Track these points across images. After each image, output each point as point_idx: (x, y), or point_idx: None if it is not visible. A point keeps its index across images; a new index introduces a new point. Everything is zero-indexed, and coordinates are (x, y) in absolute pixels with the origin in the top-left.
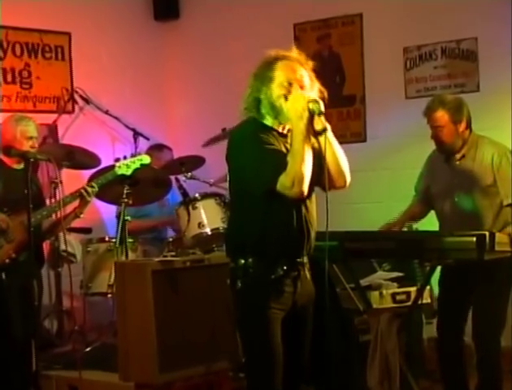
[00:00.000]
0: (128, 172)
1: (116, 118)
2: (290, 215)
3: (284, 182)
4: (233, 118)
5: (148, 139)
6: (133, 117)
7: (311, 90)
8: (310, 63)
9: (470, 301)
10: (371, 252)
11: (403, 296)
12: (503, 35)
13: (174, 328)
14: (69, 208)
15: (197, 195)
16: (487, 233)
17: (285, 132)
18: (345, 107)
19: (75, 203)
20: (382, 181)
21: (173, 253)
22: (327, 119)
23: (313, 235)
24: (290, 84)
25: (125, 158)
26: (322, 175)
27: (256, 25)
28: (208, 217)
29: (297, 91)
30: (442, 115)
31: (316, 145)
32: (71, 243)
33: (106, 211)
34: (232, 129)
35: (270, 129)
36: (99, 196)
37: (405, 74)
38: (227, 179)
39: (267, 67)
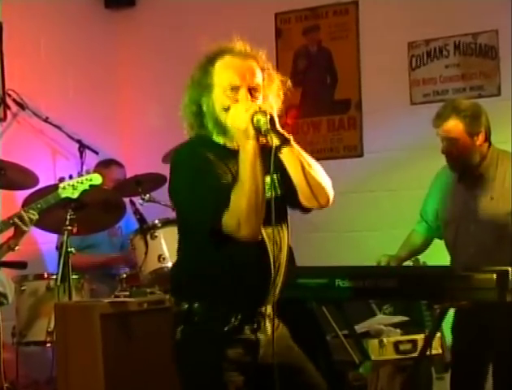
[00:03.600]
0: (75, 195)
1: (58, 127)
2: (246, 253)
3: (228, 223)
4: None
5: (97, 153)
6: (79, 126)
7: (269, 93)
8: (263, 57)
9: (490, 352)
10: (369, 291)
11: (408, 346)
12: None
13: (127, 384)
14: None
15: (156, 221)
16: (510, 269)
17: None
18: (337, 114)
19: (8, 233)
20: (381, 205)
21: (127, 293)
22: (295, 129)
23: (280, 278)
24: (236, 90)
25: (71, 177)
26: (292, 194)
27: (228, 15)
28: (170, 248)
29: (244, 99)
30: (456, 125)
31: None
32: (2, 281)
33: (45, 241)
34: (178, 147)
35: (220, 148)
36: (36, 222)
37: (411, 74)
38: (175, 209)
39: (204, 70)
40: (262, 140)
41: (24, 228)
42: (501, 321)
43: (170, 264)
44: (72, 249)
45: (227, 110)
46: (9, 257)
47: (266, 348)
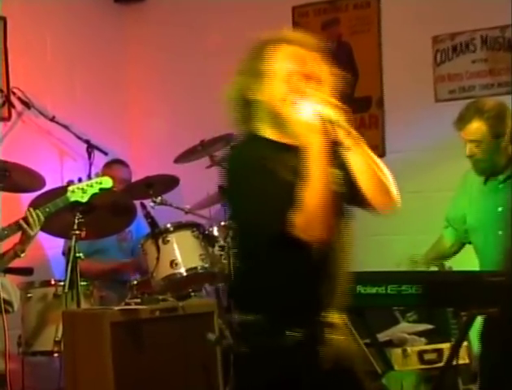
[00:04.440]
0: (84, 199)
1: (65, 126)
2: (311, 259)
3: (297, 222)
4: (214, 126)
5: (106, 153)
6: (87, 125)
7: (324, 87)
8: (321, 47)
9: None
10: (392, 298)
11: (433, 355)
12: None
13: None
14: (6, 245)
15: (168, 225)
16: None
17: (297, 143)
18: (358, 113)
19: (15, 238)
20: (406, 207)
21: (138, 300)
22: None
23: (346, 284)
24: (295, 80)
25: (80, 180)
26: (356, 194)
27: (242, 9)
28: (183, 254)
29: (305, 91)
30: (479, 127)
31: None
32: (7, 287)
33: (51, 246)
34: (229, 149)
35: (273, 144)
36: (42, 226)
37: (435, 70)
38: (228, 215)
39: (259, 57)
40: (330, 133)
41: (30, 232)
42: None
43: (183, 270)
44: (81, 255)
45: (285, 100)
46: (14, 263)
47: (332, 358)
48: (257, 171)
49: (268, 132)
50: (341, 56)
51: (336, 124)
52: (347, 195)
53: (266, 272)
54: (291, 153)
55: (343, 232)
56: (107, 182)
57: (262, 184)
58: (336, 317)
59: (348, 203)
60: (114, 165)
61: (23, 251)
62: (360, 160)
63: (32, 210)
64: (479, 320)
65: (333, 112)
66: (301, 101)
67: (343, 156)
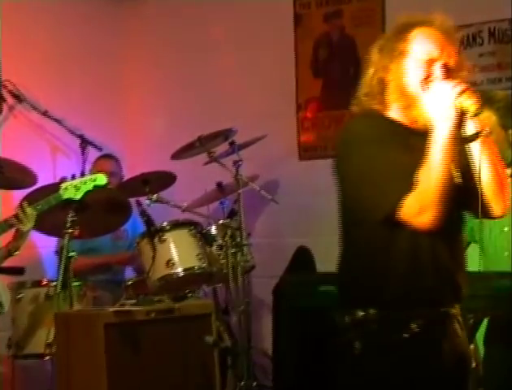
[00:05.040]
0: (77, 196)
1: (58, 121)
2: (423, 246)
3: (409, 206)
4: (212, 121)
5: (100, 149)
6: (81, 120)
7: (459, 75)
8: (459, 36)
9: None
10: None
11: None
12: None
13: None
14: None
15: (165, 224)
16: None
17: (420, 127)
18: None
19: (7, 236)
20: None
21: (133, 301)
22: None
23: (463, 274)
24: (432, 64)
25: (73, 177)
26: (470, 197)
27: (243, 2)
28: (180, 253)
29: (442, 76)
30: (488, 117)
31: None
32: None
33: (44, 245)
34: (345, 125)
35: (397, 126)
36: (34, 224)
37: None
38: (337, 199)
39: (399, 37)
40: (461, 124)
41: (22, 227)
42: None
43: (179, 270)
44: (74, 254)
45: (422, 83)
46: (6, 262)
47: (449, 352)
48: (375, 148)
49: (394, 113)
50: (344, 50)
51: (470, 117)
52: (463, 193)
53: (376, 260)
54: (413, 136)
55: (456, 226)
56: (101, 179)
57: (381, 161)
58: (454, 309)
59: (461, 204)
60: (101, 159)
61: (17, 249)
62: (486, 157)
63: (23, 204)
64: (484, 323)
65: (471, 104)
66: (439, 87)
67: (468, 150)
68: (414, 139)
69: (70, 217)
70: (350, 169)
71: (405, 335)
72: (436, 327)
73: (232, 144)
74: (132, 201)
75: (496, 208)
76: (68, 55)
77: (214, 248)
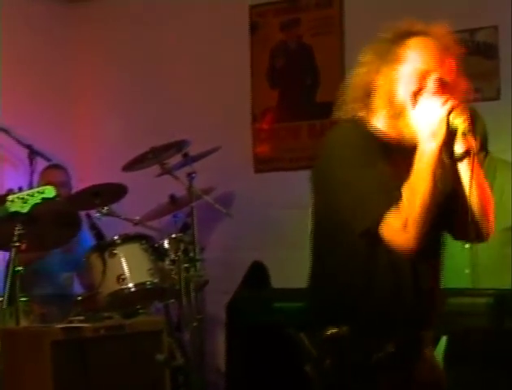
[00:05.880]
0: (25, 209)
1: (5, 130)
2: (402, 266)
3: (391, 223)
4: (166, 132)
5: (49, 160)
6: (29, 130)
7: (454, 91)
8: (458, 49)
9: (488, 383)
10: None
11: None
12: None
13: None
14: None
15: (116, 238)
16: (508, 293)
17: (406, 140)
18: (319, 119)
19: None
20: None
21: (82, 318)
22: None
23: (440, 298)
24: (426, 76)
25: (20, 189)
26: (452, 218)
27: (198, 9)
28: (131, 268)
29: (435, 90)
30: None
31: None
32: None
33: None
34: (326, 136)
35: (381, 137)
36: None
37: None
38: (311, 210)
39: (397, 41)
40: (450, 142)
41: None
42: (498, 349)
43: (131, 285)
44: (20, 268)
45: (413, 95)
46: None
47: (422, 376)
48: (357, 158)
49: (380, 122)
50: (301, 59)
51: (459, 136)
52: (445, 213)
53: (353, 274)
54: (398, 149)
55: (436, 246)
56: (50, 191)
57: (364, 174)
58: (428, 333)
59: (441, 224)
60: (49, 169)
61: None
62: (472, 179)
63: None
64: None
65: (461, 122)
66: (429, 101)
67: (455, 169)
68: (399, 152)
69: (17, 230)
70: (332, 179)
71: (380, 355)
72: (412, 349)
73: (185, 155)
74: (82, 213)
75: (480, 232)
76: (16, 63)
77: (167, 262)
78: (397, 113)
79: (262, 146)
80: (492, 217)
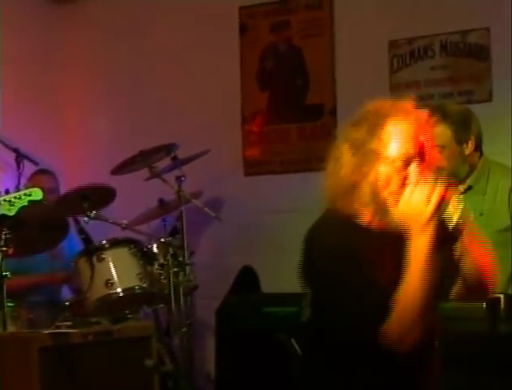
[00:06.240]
0: (12, 212)
1: None
2: (398, 372)
3: (391, 329)
4: (155, 135)
5: (37, 163)
6: (16, 133)
7: (430, 164)
8: (431, 122)
9: (481, 388)
10: None
11: None
12: None
13: None
14: None
15: (104, 242)
16: (501, 296)
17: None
18: (309, 121)
19: None
20: None
21: (69, 323)
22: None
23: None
24: (408, 164)
25: (7, 191)
26: (445, 286)
27: (187, 9)
28: (119, 272)
29: (417, 180)
30: (443, 131)
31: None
32: None
33: None
34: (313, 229)
35: (366, 231)
36: None
37: (392, 77)
38: (308, 302)
39: (372, 134)
40: (439, 231)
41: None
42: (491, 354)
43: (119, 290)
44: (8, 273)
45: (397, 186)
46: None
47: None
48: (350, 268)
49: (367, 218)
50: (291, 61)
51: (457, 225)
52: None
53: (351, 385)
54: (388, 243)
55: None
56: (37, 194)
57: (356, 286)
58: None
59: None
60: (38, 175)
61: None
62: (467, 248)
63: None
64: None
65: (454, 211)
66: (415, 194)
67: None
68: (389, 245)
69: (4, 234)
70: (327, 293)
71: None
72: None
73: (174, 159)
74: (70, 218)
75: (479, 290)
76: (1, 65)
77: (156, 267)
78: (383, 209)
79: (251, 149)
80: (494, 273)
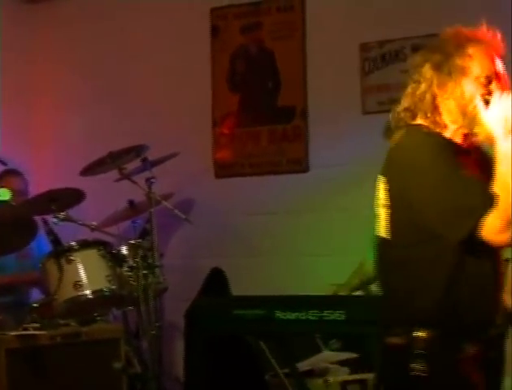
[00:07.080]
0: None
1: None
2: (486, 269)
3: (492, 225)
4: (125, 136)
5: (5, 164)
6: None
7: (506, 83)
8: (505, 46)
9: None
10: (314, 324)
11: (357, 387)
12: (501, 26)
13: None
14: None
15: (73, 243)
16: None
17: (469, 147)
18: (280, 124)
19: None
20: (330, 226)
21: (37, 325)
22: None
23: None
24: (490, 82)
25: None
26: None
27: (159, 10)
28: (88, 274)
29: (500, 92)
30: None
31: None
32: None
33: None
34: (397, 143)
35: (452, 144)
36: None
37: (363, 80)
38: (389, 216)
39: (458, 53)
40: None
41: None
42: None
43: (88, 292)
44: None
45: (476, 100)
46: None
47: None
48: (445, 164)
49: (450, 130)
50: (262, 63)
51: None
52: None
53: (442, 279)
54: (469, 154)
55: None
56: (4, 194)
57: (456, 180)
58: (501, 329)
59: None
60: (7, 176)
61: None
62: None
63: None
64: None
65: None
66: (499, 102)
67: None
68: (468, 154)
69: None
70: (419, 189)
71: (467, 355)
72: (496, 349)
73: (144, 160)
74: (38, 219)
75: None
76: None
77: (125, 269)
78: (470, 122)
79: (222, 151)
80: None
